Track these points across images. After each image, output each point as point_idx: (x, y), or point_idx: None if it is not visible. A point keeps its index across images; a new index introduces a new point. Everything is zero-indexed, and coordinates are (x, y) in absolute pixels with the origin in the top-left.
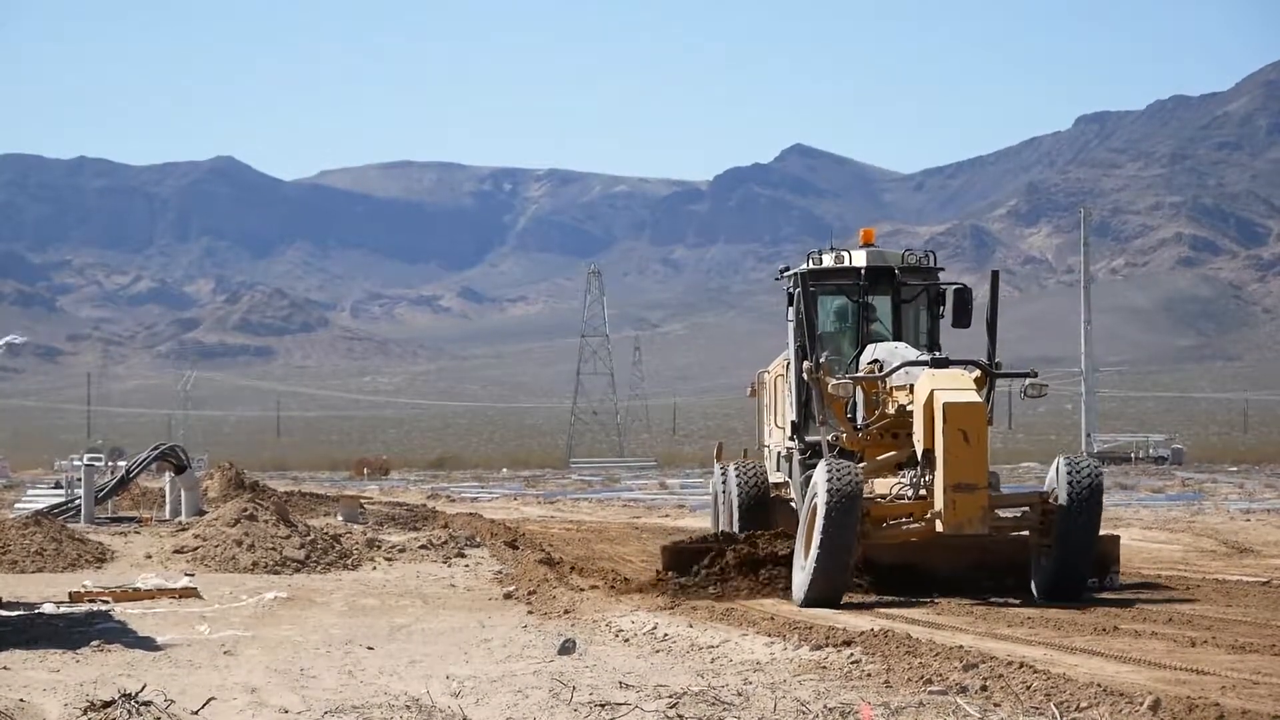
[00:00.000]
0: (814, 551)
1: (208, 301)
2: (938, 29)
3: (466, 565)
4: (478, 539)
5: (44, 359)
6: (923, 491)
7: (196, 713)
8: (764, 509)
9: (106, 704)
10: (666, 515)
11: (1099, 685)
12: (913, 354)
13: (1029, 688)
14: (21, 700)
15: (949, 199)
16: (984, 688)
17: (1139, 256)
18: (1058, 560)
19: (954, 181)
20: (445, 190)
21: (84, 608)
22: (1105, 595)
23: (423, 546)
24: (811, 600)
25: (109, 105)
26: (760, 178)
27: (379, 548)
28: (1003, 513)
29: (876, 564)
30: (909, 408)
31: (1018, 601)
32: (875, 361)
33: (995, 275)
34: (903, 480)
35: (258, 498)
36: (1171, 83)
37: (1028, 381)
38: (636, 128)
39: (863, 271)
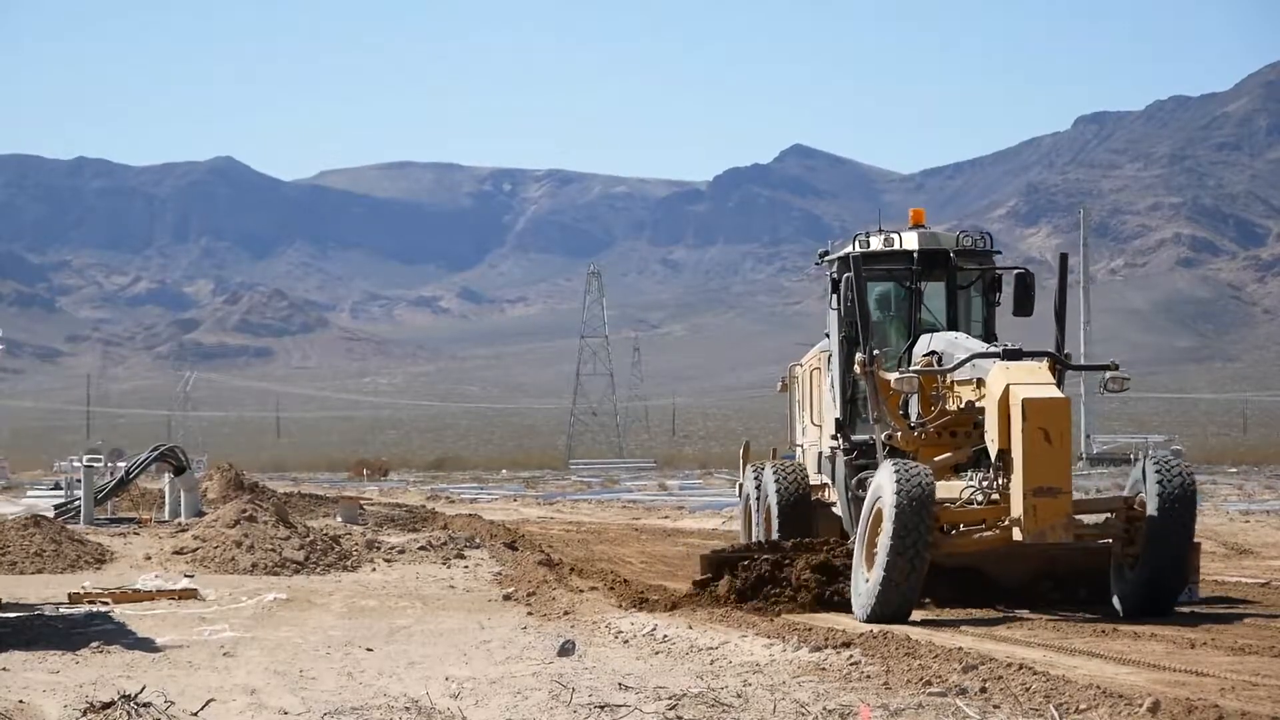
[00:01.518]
0: (881, 560)
1: (207, 302)
2: (937, 29)
3: (466, 566)
4: (477, 540)
5: (43, 360)
6: (995, 496)
7: (196, 714)
8: (805, 513)
9: (106, 705)
10: (666, 516)
11: (1098, 687)
12: (976, 345)
13: (1028, 689)
14: (21, 701)
15: (948, 199)
16: (983, 689)
17: (1138, 257)
18: (1147, 573)
19: (953, 182)
20: (444, 191)
21: (83, 609)
22: (1187, 609)
23: (422, 548)
24: (878, 616)
25: (109, 105)
26: (760, 178)
27: (378, 549)
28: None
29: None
30: (979, 404)
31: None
32: (932, 353)
33: (1064, 258)
34: (972, 483)
35: (257, 499)
36: (1171, 83)
37: (1108, 375)
38: (636, 128)
39: (915, 255)
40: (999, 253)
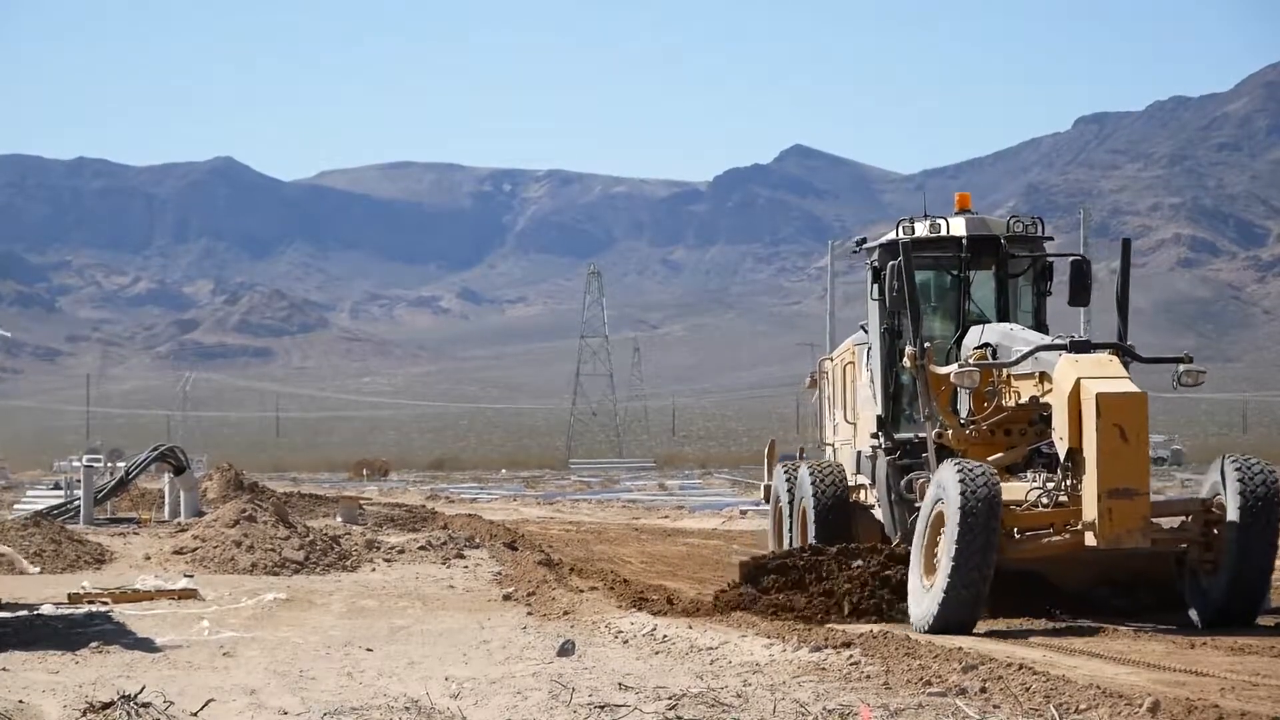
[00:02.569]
0: (945, 567)
1: (207, 302)
2: (938, 29)
3: (466, 566)
4: (477, 540)
5: (43, 360)
6: (1062, 497)
7: (195, 714)
8: (845, 516)
9: (105, 705)
10: (666, 516)
11: (1098, 687)
12: (1034, 337)
13: (1028, 689)
14: (21, 701)
15: (949, 200)
16: (983, 689)
17: (1138, 258)
18: (1228, 581)
19: (954, 182)
20: (444, 191)
21: (83, 609)
22: (1273, 622)
23: (422, 548)
24: (941, 626)
25: (109, 105)
26: (760, 178)
27: (378, 549)
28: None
29: None
30: (1043, 399)
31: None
32: (985, 345)
33: (1126, 244)
34: (1036, 484)
35: (257, 499)
36: (1171, 83)
37: (1181, 368)
38: (636, 128)
39: (964, 242)
40: (1051, 239)
